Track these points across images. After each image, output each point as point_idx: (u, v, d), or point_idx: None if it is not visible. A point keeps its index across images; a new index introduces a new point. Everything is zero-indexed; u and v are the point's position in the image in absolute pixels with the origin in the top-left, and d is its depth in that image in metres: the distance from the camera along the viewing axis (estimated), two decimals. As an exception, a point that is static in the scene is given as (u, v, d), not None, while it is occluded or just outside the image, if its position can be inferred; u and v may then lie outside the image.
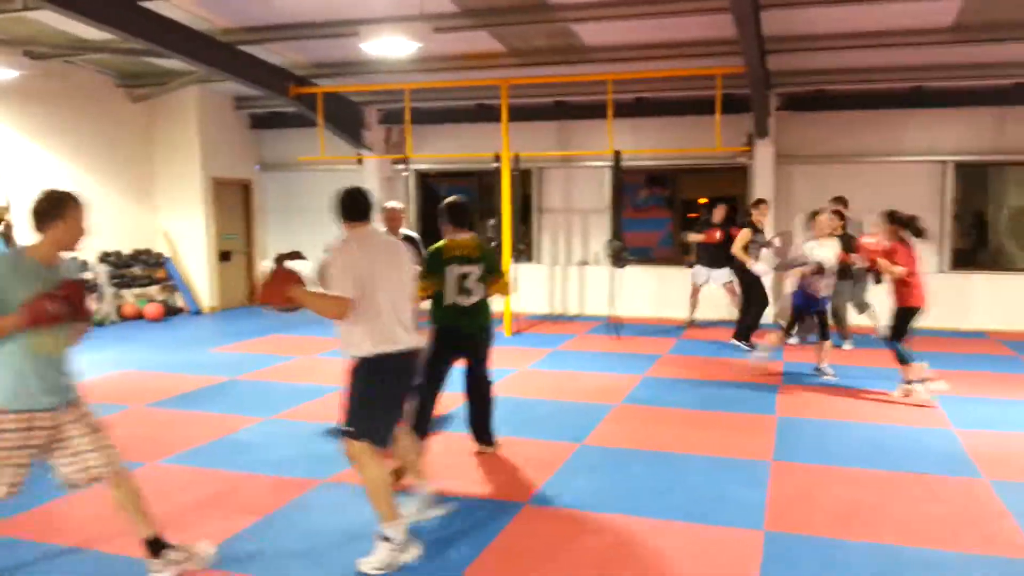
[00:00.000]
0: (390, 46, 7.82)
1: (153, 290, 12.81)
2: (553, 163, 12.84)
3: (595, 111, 11.94)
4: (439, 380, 5.14)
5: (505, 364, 8.65)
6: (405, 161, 11.57)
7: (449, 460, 5.43)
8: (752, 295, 9.50)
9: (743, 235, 9.30)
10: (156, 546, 3.71)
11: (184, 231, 13.12)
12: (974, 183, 11.98)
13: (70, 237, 3.49)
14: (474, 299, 5.19)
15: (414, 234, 7.21)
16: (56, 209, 3.44)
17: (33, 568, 3.84)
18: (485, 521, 4.35)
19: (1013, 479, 4.99)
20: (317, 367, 8.60)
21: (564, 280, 13.03)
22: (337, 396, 7.19)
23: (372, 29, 7.57)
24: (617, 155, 10.27)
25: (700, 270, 10.96)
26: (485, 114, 12.54)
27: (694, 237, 11.05)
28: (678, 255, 12.69)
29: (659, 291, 12.28)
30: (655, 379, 7.94)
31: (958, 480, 5.02)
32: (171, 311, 12.64)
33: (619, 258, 10.47)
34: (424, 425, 5.06)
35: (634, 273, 11.53)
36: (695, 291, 11.09)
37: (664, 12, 8.44)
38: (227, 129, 13.45)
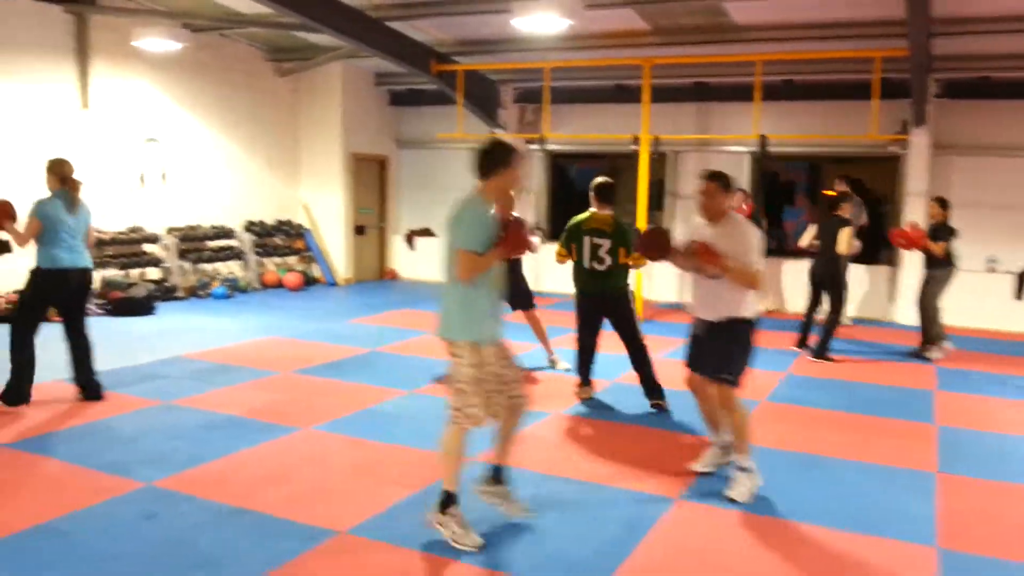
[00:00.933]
0: (542, 23, 7.76)
1: (292, 260, 13.29)
2: (690, 147, 12.52)
3: (737, 93, 11.56)
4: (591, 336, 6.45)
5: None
6: (541, 141, 11.51)
7: (603, 448, 5.39)
8: (837, 301, 8.36)
9: (848, 233, 8.20)
10: (498, 476, 4.07)
11: (323, 204, 13.53)
12: None
13: (511, 184, 3.79)
14: (606, 266, 6.14)
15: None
16: (505, 157, 3.73)
17: (197, 525, 4.00)
18: (639, 513, 4.28)
19: None
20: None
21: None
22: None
23: (525, 5, 7.52)
24: (763, 140, 9.87)
25: None
26: (620, 95, 12.33)
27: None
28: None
29: (795, 284, 11.76)
30: (798, 377, 7.64)
31: None
32: (308, 281, 13.07)
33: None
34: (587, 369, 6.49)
35: (769, 265, 11.11)
36: None
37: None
38: (367, 105, 13.74)
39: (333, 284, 13.41)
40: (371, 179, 14.19)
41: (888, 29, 9.11)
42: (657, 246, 4.70)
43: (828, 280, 8.44)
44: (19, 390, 5.78)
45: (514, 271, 7.32)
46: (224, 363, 7.45)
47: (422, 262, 13.88)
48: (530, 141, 13.17)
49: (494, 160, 3.72)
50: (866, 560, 3.85)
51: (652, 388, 6.29)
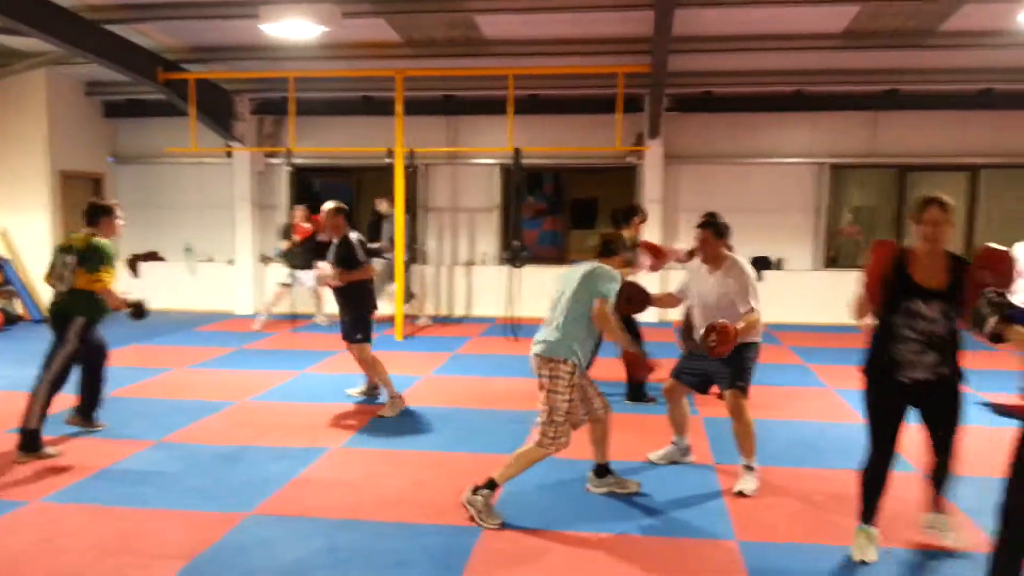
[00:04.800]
0: (293, 30, 7.15)
1: (-11, 296, 11.36)
2: (440, 160, 12.39)
3: (484, 107, 11.61)
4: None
5: (406, 371, 8.14)
6: (288, 155, 10.78)
7: (391, 480, 4.93)
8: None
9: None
10: (603, 471, 4.80)
11: (25, 229, 11.69)
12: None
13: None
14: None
15: (355, 236, 6.78)
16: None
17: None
18: (447, 547, 3.90)
19: None
20: (193, 381, 7.80)
21: (451, 281, 12.60)
22: (230, 414, 6.46)
23: (274, 11, 6.87)
24: (517, 152, 9.92)
25: (300, 274, 10.50)
26: (368, 107, 11.93)
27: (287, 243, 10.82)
28: (563, 255, 12.79)
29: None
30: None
31: None
32: (10, 319, 11.23)
33: (517, 257, 10.17)
34: None
35: (529, 273, 11.20)
36: (284, 291, 10.88)
37: (578, 6, 8.22)
38: (77, 117, 12.11)
39: (40, 320, 11.62)
40: (84, 200, 12.49)
41: (623, 46, 9.53)
42: (638, 300, 4.91)
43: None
44: None
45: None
46: (-91, 428, 6.03)
47: (149, 290, 12.43)
48: (270, 155, 12.36)
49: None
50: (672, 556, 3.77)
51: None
